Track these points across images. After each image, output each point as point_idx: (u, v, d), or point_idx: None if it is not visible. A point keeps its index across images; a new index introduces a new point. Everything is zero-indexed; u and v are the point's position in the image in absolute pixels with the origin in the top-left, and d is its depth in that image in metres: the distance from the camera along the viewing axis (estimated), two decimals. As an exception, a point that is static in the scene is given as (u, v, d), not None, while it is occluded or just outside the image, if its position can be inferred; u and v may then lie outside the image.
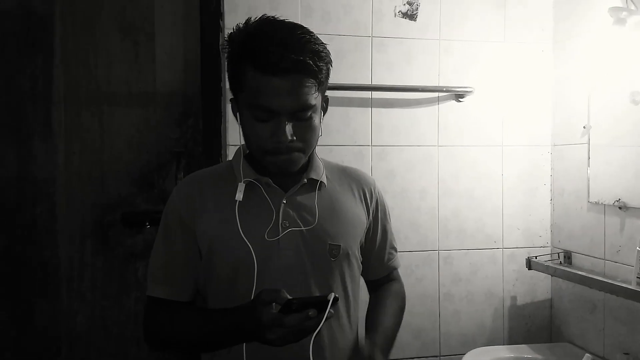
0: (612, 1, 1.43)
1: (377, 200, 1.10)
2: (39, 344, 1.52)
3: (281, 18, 0.92)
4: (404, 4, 1.67)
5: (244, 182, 0.95)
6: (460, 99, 1.71)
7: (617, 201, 1.46)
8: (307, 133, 0.91)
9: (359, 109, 1.65)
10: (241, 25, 0.92)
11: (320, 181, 1.00)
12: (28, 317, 1.51)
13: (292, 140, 0.89)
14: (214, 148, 1.57)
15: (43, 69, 1.52)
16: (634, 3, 1.39)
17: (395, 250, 1.16)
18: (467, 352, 1.59)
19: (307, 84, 0.87)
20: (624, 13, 1.39)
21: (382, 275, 1.15)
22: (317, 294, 0.94)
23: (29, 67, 1.51)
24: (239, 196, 0.94)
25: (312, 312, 0.79)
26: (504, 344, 1.72)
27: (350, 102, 1.64)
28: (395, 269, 1.16)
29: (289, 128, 0.88)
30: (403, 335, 1.63)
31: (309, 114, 0.90)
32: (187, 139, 1.60)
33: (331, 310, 0.81)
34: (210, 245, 0.95)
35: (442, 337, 1.70)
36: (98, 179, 1.55)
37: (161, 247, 0.99)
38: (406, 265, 1.67)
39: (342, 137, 1.64)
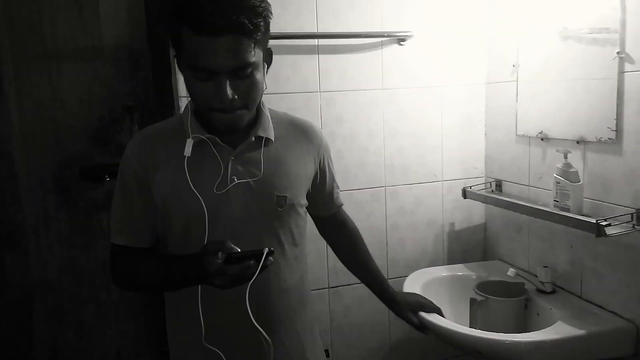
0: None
1: (324, 150, 1.16)
2: (13, 293, 1.59)
3: None
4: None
5: (192, 139, 0.98)
6: (402, 43, 1.78)
7: (539, 133, 1.61)
8: (249, 90, 0.92)
9: (307, 56, 1.70)
10: None
11: (267, 137, 1.04)
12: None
13: (233, 100, 0.90)
14: (166, 100, 1.59)
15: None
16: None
17: (339, 189, 1.27)
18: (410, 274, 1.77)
19: (244, 43, 0.87)
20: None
21: (332, 212, 1.27)
22: (265, 243, 0.98)
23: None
24: (188, 151, 0.97)
25: (252, 263, 0.88)
26: (443, 265, 1.93)
27: (297, 50, 1.69)
28: (341, 205, 1.29)
29: (229, 87, 0.89)
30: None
31: (249, 71, 0.90)
32: (138, 92, 1.62)
33: (271, 259, 0.89)
34: (164, 200, 1.00)
35: (389, 263, 1.87)
36: (53, 136, 1.57)
37: (120, 201, 1.05)
38: (356, 201, 1.81)
39: (291, 84, 1.70)
